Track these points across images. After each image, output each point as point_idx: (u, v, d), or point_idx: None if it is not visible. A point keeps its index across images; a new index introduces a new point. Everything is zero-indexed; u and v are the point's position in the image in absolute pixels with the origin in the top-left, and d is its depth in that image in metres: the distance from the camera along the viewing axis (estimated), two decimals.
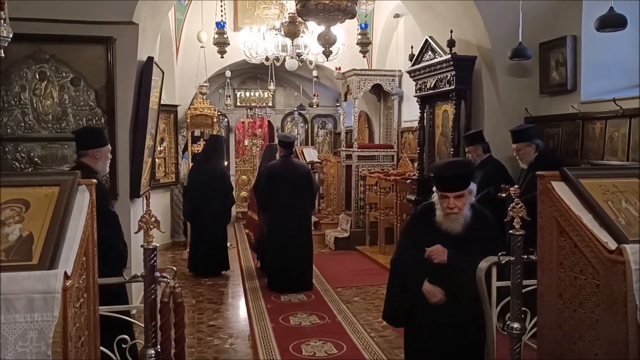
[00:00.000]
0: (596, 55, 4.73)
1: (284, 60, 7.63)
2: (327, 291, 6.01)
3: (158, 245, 2.12)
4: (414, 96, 6.38)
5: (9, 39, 2.38)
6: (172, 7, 7.07)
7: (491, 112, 5.38)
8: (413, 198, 6.09)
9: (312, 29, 6.97)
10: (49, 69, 4.45)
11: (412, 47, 6.43)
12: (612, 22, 3.80)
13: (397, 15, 8.48)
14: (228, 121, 11.96)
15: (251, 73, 11.45)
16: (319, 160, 10.39)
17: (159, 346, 2.13)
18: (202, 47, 8.24)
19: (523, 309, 2.37)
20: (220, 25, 6.02)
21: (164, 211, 8.26)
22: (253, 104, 11.72)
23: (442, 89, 5.65)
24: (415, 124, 7.02)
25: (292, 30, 6.37)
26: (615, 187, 2.08)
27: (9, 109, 4.41)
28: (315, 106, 10.78)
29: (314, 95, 10.60)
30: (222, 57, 6.26)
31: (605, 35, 4.20)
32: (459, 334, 2.79)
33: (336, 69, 9.14)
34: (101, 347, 2.02)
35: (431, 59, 5.77)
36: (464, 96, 5.44)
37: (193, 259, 6.77)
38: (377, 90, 9.00)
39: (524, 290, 2.37)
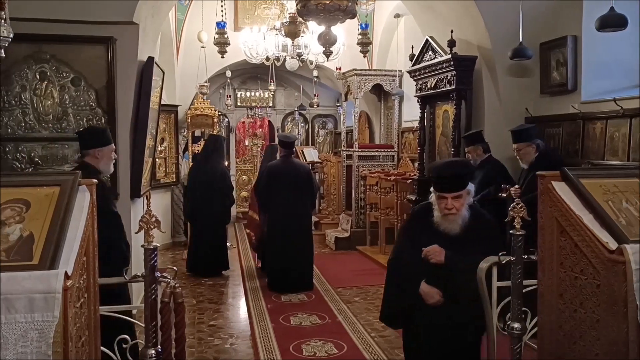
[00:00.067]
0: (597, 55, 4.73)
1: (285, 60, 7.64)
2: (328, 291, 6.01)
3: (158, 245, 2.12)
4: (415, 96, 6.38)
5: (10, 39, 2.38)
6: (172, 7, 7.07)
7: (492, 112, 5.38)
8: (413, 198, 6.09)
9: (313, 29, 6.97)
10: (50, 69, 4.46)
11: (412, 47, 6.43)
12: (612, 22, 3.80)
13: (397, 15, 8.48)
14: (228, 121, 11.96)
15: (252, 73, 11.46)
16: (320, 160, 10.39)
17: (159, 346, 2.13)
18: (202, 47, 8.25)
19: (523, 309, 2.37)
20: (220, 25, 6.02)
21: (164, 211, 8.26)
22: (253, 104, 11.73)
23: (442, 89, 5.65)
24: (416, 124, 7.02)
25: (292, 30, 6.37)
26: (616, 187, 2.08)
27: (10, 109, 4.41)
28: (315, 106, 10.78)
29: (315, 95, 10.60)
30: (222, 57, 6.26)
31: (605, 35, 4.20)
32: (456, 335, 2.78)
33: (336, 69, 9.14)
34: (102, 347, 2.03)
35: (432, 59, 5.77)
36: (464, 96, 5.44)
37: (193, 259, 6.76)
38: (378, 90, 9.00)
39: (524, 290, 2.37)
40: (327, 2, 3.92)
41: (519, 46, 4.61)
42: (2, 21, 2.31)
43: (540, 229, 2.18)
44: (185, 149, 9.19)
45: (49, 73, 4.46)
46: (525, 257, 2.31)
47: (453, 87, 5.40)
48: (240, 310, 5.51)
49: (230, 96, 10.65)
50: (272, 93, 11.10)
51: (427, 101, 6.22)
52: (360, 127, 9.44)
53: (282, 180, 5.99)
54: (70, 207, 1.85)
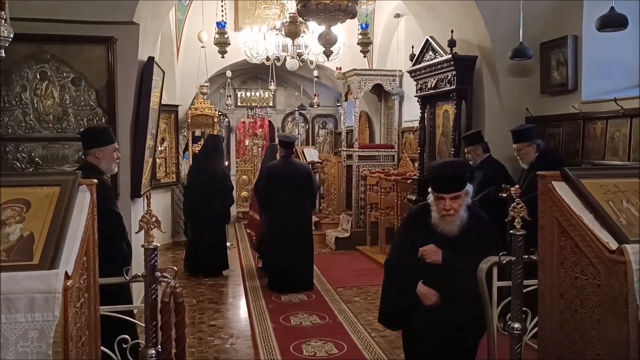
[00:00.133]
0: (597, 55, 4.73)
1: (285, 60, 7.63)
2: (328, 291, 6.01)
3: (159, 245, 2.12)
4: (415, 96, 6.38)
5: (10, 39, 2.38)
6: (172, 7, 7.08)
7: (492, 112, 5.38)
8: (414, 198, 6.09)
9: (313, 28, 6.97)
10: (50, 69, 4.45)
11: (412, 47, 6.43)
12: (613, 22, 3.79)
13: (397, 15, 8.48)
14: (229, 121, 11.96)
15: (252, 73, 11.46)
16: (320, 160, 10.39)
17: (159, 346, 2.13)
18: (202, 47, 8.25)
19: (524, 309, 2.37)
20: (220, 25, 6.02)
21: (164, 211, 8.26)
22: (254, 104, 11.73)
23: (442, 89, 5.65)
24: (416, 124, 7.02)
25: (292, 30, 6.36)
26: (616, 187, 2.08)
27: (10, 109, 4.41)
28: (315, 106, 10.79)
29: (315, 95, 10.61)
30: (222, 57, 6.25)
31: (606, 35, 4.20)
32: (454, 337, 2.76)
33: (337, 68, 9.14)
34: (102, 347, 2.02)
35: (432, 59, 5.77)
36: (464, 96, 5.44)
37: (193, 259, 6.75)
38: (378, 90, 9.00)
39: (524, 291, 2.37)
40: (328, 2, 3.92)
41: (520, 46, 4.60)
42: (3, 21, 2.30)
43: (541, 229, 2.17)
44: (186, 149, 9.19)
45: (49, 73, 4.46)
46: (526, 257, 2.31)
47: (453, 87, 5.40)
48: (240, 310, 5.51)
49: (230, 96, 10.65)
50: (273, 93, 11.10)
51: (427, 101, 6.21)
52: (361, 127, 9.44)
53: (282, 180, 5.99)
54: (71, 207, 1.85)
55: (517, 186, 4.39)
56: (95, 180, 2.03)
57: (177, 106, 8.49)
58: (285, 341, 4.48)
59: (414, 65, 6.20)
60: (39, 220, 1.76)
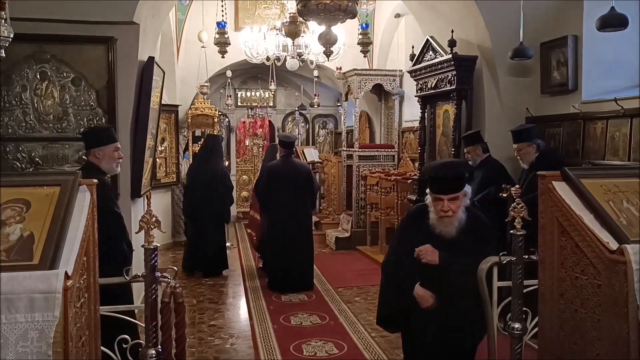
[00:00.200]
0: (597, 55, 4.73)
1: (285, 60, 7.63)
2: (328, 291, 6.01)
3: (159, 245, 2.12)
4: (415, 96, 6.38)
5: (10, 39, 2.38)
6: (173, 7, 7.08)
7: (492, 112, 5.38)
8: (414, 198, 6.08)
9: (313, 28, 6.97)
10: (50, 69, 4.45)
11: (412, 47, 6.43)
12: (613, 21, 3.79)
13: (398, 15, 8.48)
14: (229, 121, 11.96)
15: (252, 73, 11.46)
16: (320, 160, 10.39)
17: (159, 346, 2.13)
18: (203, 47, 8.26)
19: (524, 309, 2.37)
20: (221, 25, 6.02)
21: (164, 211, 8.26)
22: (254, 104, 11.73)
23: (443, 89, 5.65)
24: (416, 124, 7.02)
25: (292, 30, 6.36)
26: (617, 187, 2.08)
27: (10, 109, 4.41)
28: (316, 106, 10.80)
29: (315, 95, 10.61)
30: (222, 57, 6.25)
31: (606, 35, 4.20)
32: (452, 339, 2.73)
33: (337, 68, 9.14)
34: (102, 347, 2.02)
35: (432, 59, 5.77)
36: (464, 96, 5.44)
37: (193, 259, 6.74)
38: (378, 90, 9.00)
39: (525, 291, 2.37)
40: (328, 2, 3.91)
41: (520, 46, 4.60)
42: (3, 21, 2.30)
43: (541, 229, 2.17)
44: (186, 148, 9.20)
45: (49, 73, 4.46)
46: (526, 257, 2.31)
47: (453, 87, 5.40)
48: (240, 310, 5.51)
49: (230, 96, 10.66)
50: (273, 93, 11.10)
51: (427, 101, 6.22)
52: (361, 127, 9.44)
53: (282, 180, 5.99)
54: (71, 207, 1.85)
55: (517, 186, 4.39)
56: (95, 180, 2.03)
57: (177, 106, 8.49)
58: (285, 341, 4.48)
59: (414, 65, 6.20)
60: (39, 220, 1.76)
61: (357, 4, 4.27)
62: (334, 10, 3.97)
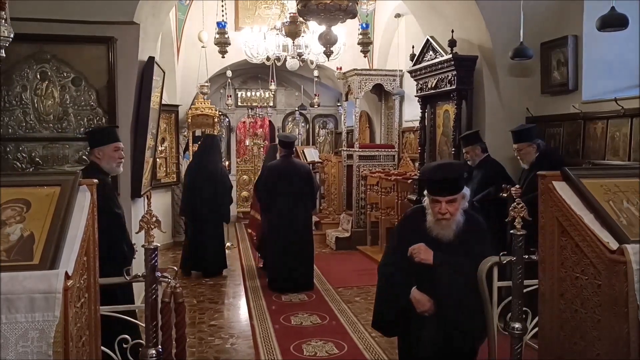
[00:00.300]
0: (597, 55, 4.73)
1: (285, 60, 7.64)
2: (328, 291, 6.01)
3: (159, 245, 2.12)
4: (415, 96, 6.38)
5: (10, 39, 2.37)
6: (173, 7, 7.07)
7: (492, 112, 5.38)
8: (414, 198, 6.08)
9: (313, 28, 6.97)
10: (50, 68, 4.46)
11: (413, 47, 6.44)
12: (613, 21, 3.79)
13: (398, 15, 8.48)
14: (229, 121, 11.97)
15: (252, 73, 11.46)
16: (320, 160, 10.39)
17: (160, 346, 2.13)
18: (203, 47, 8.25)
19: (524, 309, 2.37)
20: (221, 25, 6.02)
21: (165, 211, 8.26)
22: (254, 104, 11.73)
23: (443, 89, 5.65)
24: (416, 124, 7.02)
25: (293, 30, 6.36)
26: (617, 187, 2.08)
27: (10, 109, 4.41)
28: (316, 106, 10.80)
29: (315, 95, 10.61)
30: (223, 57, 6.25)
31: (606, 35, 4.20)
32: (449, 344, 2.67)
33: (337, 68, 9.14)
34: (103, 347, 2.03)
35: (432, 59, 5.77)
36: (465, 96, 5.44)
37: (192, 259, 6.74)
38: (378, 90, 9.00)
39: (525, 291, 2.37)
40: (328, 2, 3.91)
41: (520, 46, 4.60)
42: (3, 21, 2.30)
43: (541, 228, 2.18)
44: (186, 148, 9.20)
45: (49, 73, 4.46)
46: (526, 257, 2.31)
47: (454, 87, 5.40)
48: (240, 310, 5.51)
49: (230, 96, 10.66)
50: (273, 93, 11.09)
51: (427, 101, 6.22)
52: (361, 127, 9.44)
53: (282, 180, 5.99)
54: (71, 207, 1.85)
55: (517, 186, 4.39)
56: (95, 180, 2.03)
57: (177, 106, 8.49)
58: (285, 341, 4.48)
59: (414, 65, 6.20)
60: (39, 220, 1.77)
61: (357, 4, 4.27)
62: (334, 10, 3.97)
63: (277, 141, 6.84)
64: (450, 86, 5.46)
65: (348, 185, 8.87)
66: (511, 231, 2.34)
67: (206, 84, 8.67)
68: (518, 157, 4.51)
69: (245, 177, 12.08)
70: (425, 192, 2.78)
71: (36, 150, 4.48)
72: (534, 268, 2.26)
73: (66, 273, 1.59)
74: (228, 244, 7.80)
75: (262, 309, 5.38)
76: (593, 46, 4.71)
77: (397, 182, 7.35)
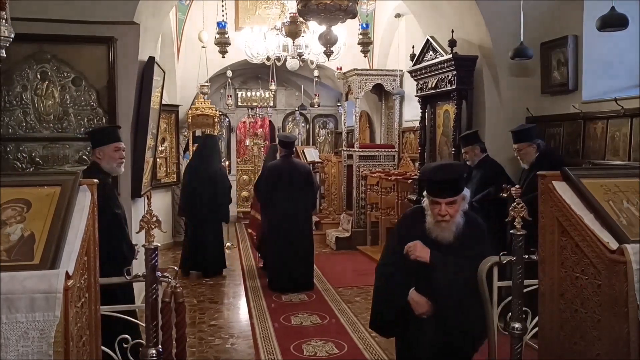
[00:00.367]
0: (597, 55, 4.73)
1: (285, 60, 7.64)
2: (328, 291, 6.01)
3: (159, 245, 2.12)
4: (415, 96, 6.38)
5: (11, 39, 2.38)
6: (173, 7, 7.08)
7: (492, 112, 5.38)
8: (414, 198, 6.08)
9: (313, 28, 6.97)
10: (51, 68, 4.46)
11: (413, 47, 6.44)
12: (613, 21, 3.79)
13: (398, 15, 8.49)
14: (229, 121, 11.97)
15: (252, 73, 11.46)
16: (320, 160, 10.40)
17: (160, 346, 2.13)
18: (203, 47, 8.26)
19: (524, 309, 2.37)
20: (221, 25, 6.02)
21: (165, 211, 8.26)
22: (254, 104, 11.74)
23: (443, 89, 5.65)
24: (417, 124, 7.02)
25: (293, 30, 6.36)
26: (617, 187, 2.08)
27: (11, 109, 4.41)
28: (316, 106, 10.80)
29: (315, 95, 10.61)
30: (223, 57, 6.25)
31: (606, 35, 4.20)
32: (448, 347, 2.65)
33: (337, 68, 9.15)
34: (103, 347, 2.03)
35: (432, 59, 5.77)
36: (465, 96, 5.44)
37: (192, 259, 6.74)
38: (378, 90, 9.00)
39: (525, 290, 2.37)
40: (328, 1, 3.91)
41: (520, 46, 4.60)
42: (3, 21, 2.30)
43: (541, 228, 2.18)
44: (186, 148, 9.20)
45: (49, 73, 4.46)
46: (526, 257, 2.31)
47: (454, 87, 5.40)
48: (240, 310, 5.51)
49: (231, 96, 10.67)
50: (273, 93, 11.10)
51: (427, 101, 6.22)
52: (361, 127, 9.44)
53: (282, 180, 5.99)
54: (71, 207, 1.85)
55: (517, 186, 4.39)
56: (95, 180, 2.03)
57: (177, 106, 8.49)
58: (285, 341, 4.48)
59: (414, 65, 6.20)
60: (40, 220, 1.77)
61: (357, 4, 4.27)
62: (334, 10, 3.97)
63: (277, 141, 6.84)
64: (450, 86, 5.46)
65: (348, 185, 8.87)
66: (511, 231, 2.34)
67: (206, 84, 8.67)
68: (518, 157, 4.51)
69: (245, 177, 12.08)
70: (425, 193, 2.74)
71: (36, 150, 4.48)
72: (534, 268, 2.26)
73: (67, 273, 1.59)
74: (228, 244, 7.80)
75: (262, 309, 5.39)
76: (593, 46, 4.71)
77: (397, 182, 7.35)
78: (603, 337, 1.85)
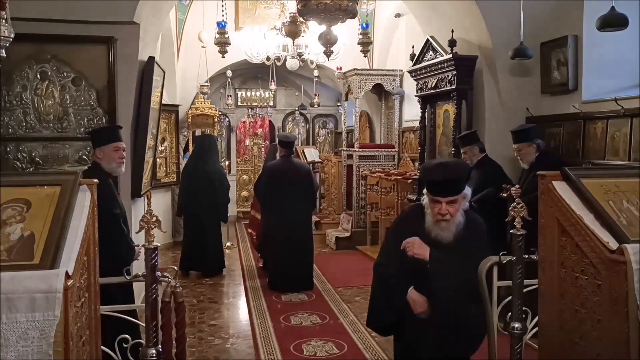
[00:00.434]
0: (597, 54, 4.73)
1: (285, 60, 7.64)
2: (328, 291, 6.01)
3: (159, 244, 2.12)
4: (415, 96, 6.38)
5: (11, 39, 2.37)
6: (173, 7, 7.07)
7: (492, 112, 5.38)
8: (414, 198, 6.08)
9: (313, 28, 6.97)
10: (51, 68, 4.46)
11: (413, 47, 6.44)
12: (613, 21, 3.79)
13: (398, 15, 8.49)
14: (229, 121, 11.97)
15: (252, 73, 11.46)
16: (320, 160, 10.40)
17: (160, 346, 2.13)
18: (203, 46, 8.26)
19: (524, 308, 2.37)
20: (221, 25, 6.02)
21: (165, 211, 8.26)
22: (254, 104, 11.75)
23: (443, 89, 5.65)
24: (416, 124, 7.02)
25: (293, 30, 6.37)
26: (617, 186, 2.08)
27: (11, 108, 4.41)
28: (316, 106, 10.80)
29: (315, 94, 10.62)
30: (223, 56, 6.25)
31: (606, 34, 4.19)
32: (447, 347, 2.62)
33: (337, 68, 9.15)
34: (103, 347, 2.03)
35: (432, 59, 5.77)
36: (465, 96, 5.44)
37: (191, 259, 6.72)
38: (378, 89, 9.00)
39: (525, 290, 2.37)
40: (328, 1, 3.92)
41: (520, 46, 4.60)
42: (3, 21, 2.30)
43: (541, 228, 2.18)
44: (186, 148, 9.20)
45: (49, 73, 4.46)
46: (526, 257, 2.31)
47: (454, 86, 5.40)
48: (240, 309, 5.51)
49: (230, 96, 10.66)
50: (273, 93, 11.11)
51: (427, 101, 6.22)
52: (361, 126, 9.44)
53: (282, 180, 5.99)
54: (71, 206, 1.85)
55: (517, 186, 4.39)
56: (95, 180, 2.03)
57: (177, 106, 8.49)
58: (285, 341, 4.48)
59: (414, 65, 6.20)
60: (40, 220, 1.77)
61: (357, 3, 4.27)
62: (334, 10, 3.97)
63: (277, 141, 6.84)
64: (450, 86, 5.46)
65: (348, 185, 8.87)
66: (511, 231, 2.34)
67: (206, 84, 8.67)
68: (518, 157, 4.51)
69: (245, 177, 12.08)
70: (425, 190, 2.69)
71: (36, 150, 4.48)
72: (534, 268, 2.26)
73: (66, 273, 1.59)
74: (228, 244, 7.81)
75: (262, 309, 5.39)
76: (593, 46, 4.71)
77: (397, 182, 7.35)
78: (603, 337, 1.85)
